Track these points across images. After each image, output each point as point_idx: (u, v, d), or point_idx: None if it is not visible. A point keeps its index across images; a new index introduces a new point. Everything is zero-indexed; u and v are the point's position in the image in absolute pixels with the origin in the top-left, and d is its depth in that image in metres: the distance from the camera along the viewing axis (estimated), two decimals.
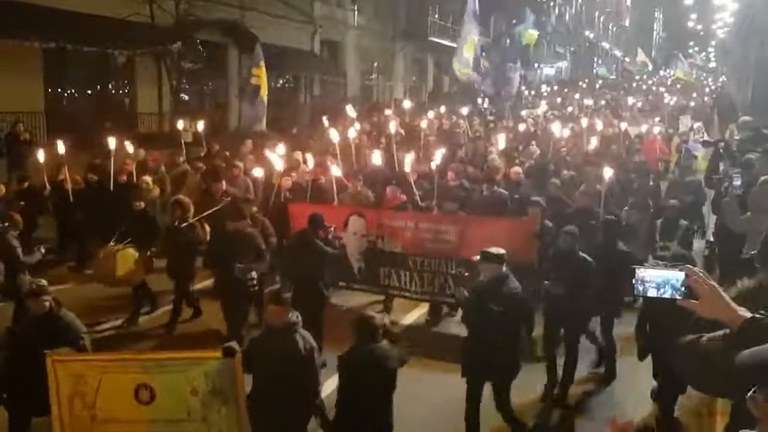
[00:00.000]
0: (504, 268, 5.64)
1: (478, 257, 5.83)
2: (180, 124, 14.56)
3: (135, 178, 10.57)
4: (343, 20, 29.74)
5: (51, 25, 14.86)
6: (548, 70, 52.83)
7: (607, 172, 8.77)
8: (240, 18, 21.42)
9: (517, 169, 11.29)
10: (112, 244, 8.22)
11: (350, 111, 17.15)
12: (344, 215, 8.58)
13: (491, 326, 5.51)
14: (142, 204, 8.73)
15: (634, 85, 49.36)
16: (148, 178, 10.31)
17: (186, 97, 20.78)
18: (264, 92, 15.55)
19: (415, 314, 8.80)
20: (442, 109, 22.69)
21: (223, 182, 9.99)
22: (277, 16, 23.64)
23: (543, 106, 25.84)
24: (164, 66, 18.99)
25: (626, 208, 9.41)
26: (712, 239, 9.54)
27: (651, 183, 11.32)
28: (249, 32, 20.12)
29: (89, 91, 19.05)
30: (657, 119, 19.98)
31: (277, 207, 9.17)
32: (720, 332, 2.31)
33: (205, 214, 8.50)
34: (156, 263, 8.55)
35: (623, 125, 18.69)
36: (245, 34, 20.21)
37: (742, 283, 3.12)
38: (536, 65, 52.82)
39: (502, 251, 5.66)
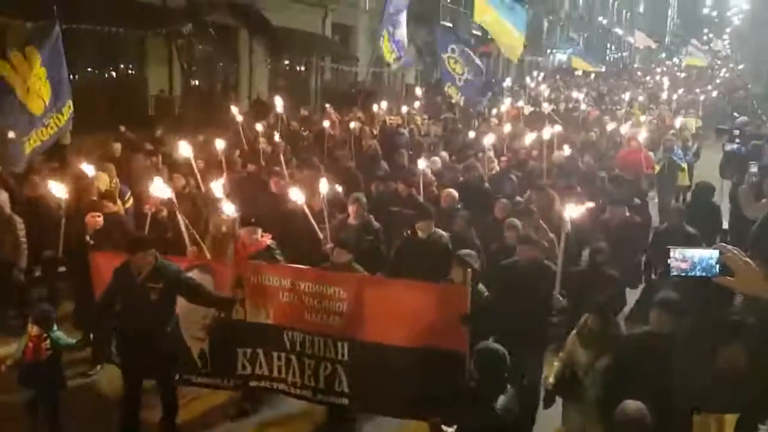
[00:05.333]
0: None
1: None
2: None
3: None
4: (355, 3, 29.50)
5: (62, 5, 14.82)
6: (561, 56, 52.30)
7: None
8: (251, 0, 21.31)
9: (452, 192, 7.79)
10: None
11: (234, 111, 12.36)
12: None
13: None
14: None
15: (638, 74, 47.21)
16: None
17: (196, 82, 20.71)
18: (22, 93, 8.68)
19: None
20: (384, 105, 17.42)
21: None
22: None
23: (507, 103, 19.64)
24: (175, 48, 18.93)
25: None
26: (726, 227, 9.35)
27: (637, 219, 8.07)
28: (261, 15, 20.00)
29: (102, 73, 19.01)
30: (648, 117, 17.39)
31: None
32: None
33: None
34: None
35: (609, 126, 15.62)
36: (257, 17, 20.10)
37: None
38: (548, 51, 52.34)
39: None
